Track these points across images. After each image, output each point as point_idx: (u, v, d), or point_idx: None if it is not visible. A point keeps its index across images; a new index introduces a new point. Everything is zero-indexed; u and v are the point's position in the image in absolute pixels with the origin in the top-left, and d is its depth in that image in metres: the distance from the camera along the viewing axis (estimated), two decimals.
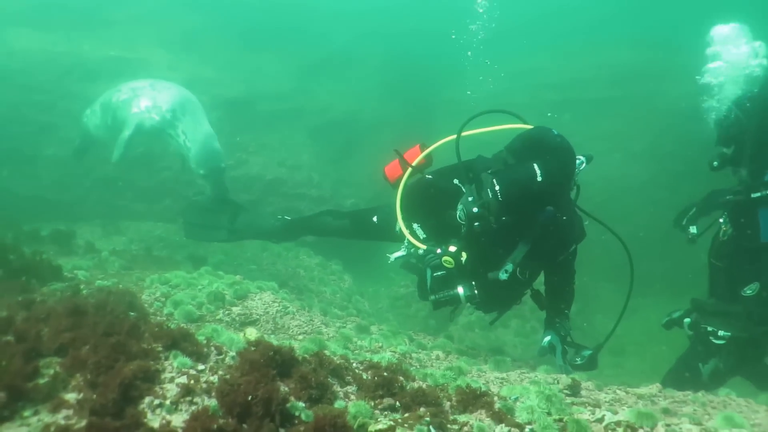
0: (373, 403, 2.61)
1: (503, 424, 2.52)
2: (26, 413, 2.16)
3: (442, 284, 4.80)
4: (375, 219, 6.09)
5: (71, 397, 2.27)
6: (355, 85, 16.22)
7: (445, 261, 4.69)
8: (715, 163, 5.44)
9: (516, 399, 2.89)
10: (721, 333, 5.13)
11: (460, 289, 4.75)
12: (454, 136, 5.07)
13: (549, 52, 16.88)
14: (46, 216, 9.23)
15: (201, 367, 2.62)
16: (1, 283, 4.07)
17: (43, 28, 12.91)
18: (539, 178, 4.44)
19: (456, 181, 5.10)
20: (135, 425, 2.12)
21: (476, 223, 4.56)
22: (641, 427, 2.56)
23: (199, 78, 12.88)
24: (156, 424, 2.17)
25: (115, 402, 2.19)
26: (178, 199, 11.48)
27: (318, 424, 2.14)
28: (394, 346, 4.50)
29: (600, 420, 2.66)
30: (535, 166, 4.48)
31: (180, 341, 2.74)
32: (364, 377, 2.93)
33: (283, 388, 2.46)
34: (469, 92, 14.48)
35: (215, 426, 2.08)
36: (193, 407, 2.29)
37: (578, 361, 4.88)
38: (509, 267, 4.71)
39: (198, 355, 2.72)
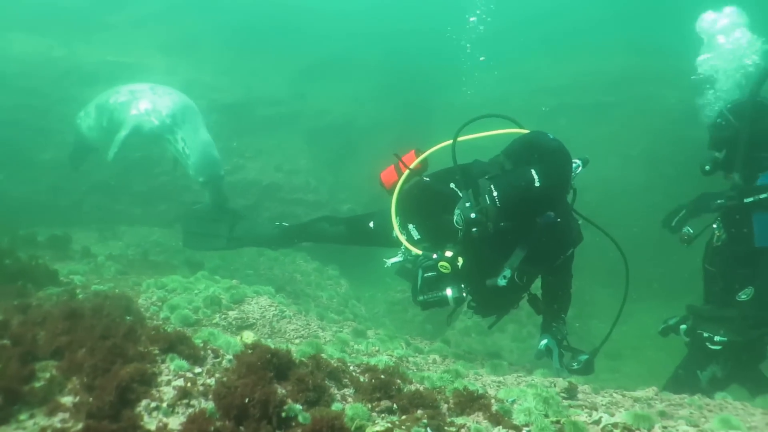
0: (370, 406, 2.61)
1: (500, 426, 2.52)
2: (22, 416, 2.16)
3: (432, 285, 4.79)
4: (371, 224, 6.10)
5: (67, 400, 2.26)
6: (352, 89, 16.25)
7: (442, 266, 4.68)
8: (707, 168, 5.46)
9: (513, 401, 2.89)
10: (717, 338, 5.13)
11: (449, 291, 4.74)
12: (450, 141, 5.07)
13: (543, 56, 16.97)
14: (43, 221, 9.19)
15: (198, 370, 2.62)
16: None
17: (40, 32, 12.91)
18: (537, 183, 4.44)
19: (452, 185, 5.11)
20: (132, 428, 2.12)
21: (474, 229, 4.56)
22: (638, 429, 2.56)
23: (196, 82, 12.89)
24: (153, 427, 2.16)
25: (111, 405, 2.18)
26: (174, 204, 11.47)
27: (315, 426, 2.14)
28: (391, 350, 4.50)
29: (597, 422, 2.66)
30: (533, 171, 4.48)
31: (177, 344, 2.73)
32: (361, 380, 2.93)
33: (281, 390, 2.45)
34: (465, 88, 14.53)
35: (212, 428, 2.08)
36: (190, 410, 2.29)
37: (575, 365, 4.88)
38: (507, 273, 4.71)
39: (195, 358, 2.72)
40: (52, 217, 9.97)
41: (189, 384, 2.45)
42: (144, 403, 2.28)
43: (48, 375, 2.38)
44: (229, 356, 2.82)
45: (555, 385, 3.76)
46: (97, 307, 3.23)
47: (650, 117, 13.58)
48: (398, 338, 5.39)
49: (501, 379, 4.09)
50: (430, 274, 4.76)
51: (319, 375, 2.70)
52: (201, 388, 2.44)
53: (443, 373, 3.47)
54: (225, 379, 2.46)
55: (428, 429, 2.35)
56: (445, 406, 2.77)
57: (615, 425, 2.60)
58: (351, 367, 3.16)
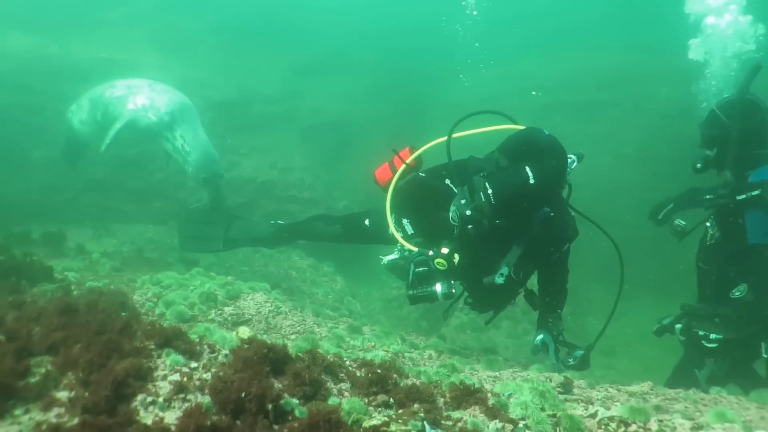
0: (367, 400, 2.61)
1: (497, 420, 2.52)
2: (17, 412, 2.15)
3: (423, 280, 4.80)
4: (367, 222, 6.09)
5: (63, 395, 2.25)
6: (347, 86, 16.25)
7: (438, 263, 4.68)
8: (699, 166, 5.47)
9: (509, 395, 2.90)
10: (712, 336, 5.15)
11: (438, 287, 4.75)
12: (445, 138, 5.07)
13: (538, 54, 16.99)
14: (37, 218, 9.15)
15: (194, 364, 2.61)
16: None
17: (33, 30, 12.86)
18: (532, 181, 4.44)
19: (448, 182, 5.11)
20: (128, 423, 2.10)
21: (469, 226, 4.57)
22: (634, 422, 2.57)
23: (191, 80, 12.85)
24: (149, 422, 2.16)
25: (107, 400, 2.18)
26: (169, 201, 11.46)
27: (312, 420, 2.14)
28: (387, 345, 4.50)
29: (593, 415, 2.67)
30: (527, 168, 4.48)
31: (173, 339, 2.72)
32: (358, 374, 2.93)
33: (277, 385, 2.45)
34: (462, 77, 14.53)
35: (209, 422, 2.07)
36: (187, 404, 2.28)
37: (571, 361, 4.90)
38: (505, 270, 4.72)
39: (191, 353, 2.71)
40: (46, 214, 9.93)
41: (185, 379, 2.44)
42: (140, 397, 2.27)
43: (43, 370, 2.37)
44: (225, 351, 2.82)
45: (551, 380, 3.77)
46: (93, 302, 3.22)
47: (644, 115, 13.62)
48: (394, 334, 5.39)
49: (497, 374, 4.10)
50: (421, 269, 4.77)
51: (316, 369, 2.70)
52: (197, 383, 2.43)
53: (439, 368, 3.47)
54: (221, 373, 2.45)
55: (425, 423, 2.35)
56: (442, 400, 2.78)
57: (611, 419, 2.61)
58: (347, 362, 3.16)
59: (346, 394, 2.73)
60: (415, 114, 15.46)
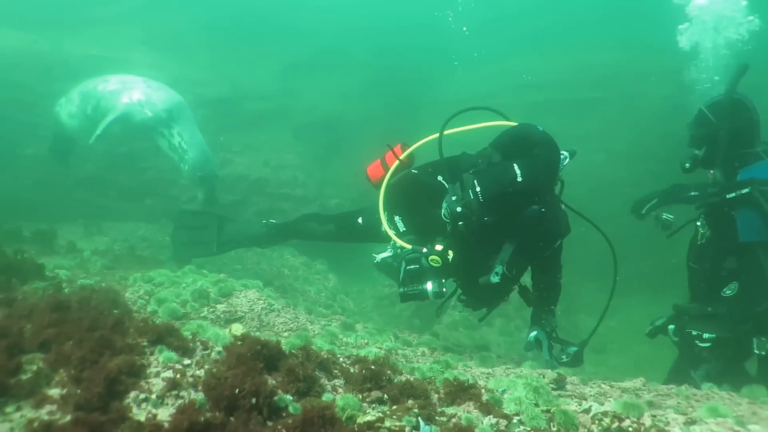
0: (361, 396, 2.61)
1: (491, 416, 2.53)
2: (9, 409, 2.13)
3: (414, 278, 4.81)
4: (360, 221, 6.09)
5: (55, 392, 2.23)
6: (340, 84, 16.24)
7: (432, 260, 4.69)
8: (687, 165, 5.50)
9: (503, 391, 2.90)
10: (705, 335, 5.17)
11: (429, 285, 4.76)
12: (437, 135, 5.07)
13: (531, 52, 17.03)
14: (27, 216, 9.07)
15: (187, 361, 2.60)
16: None
17: (24, 26, 12.75)
18: (519, 179, 4.44)
19: (440, 178, 5.11)
20: (121, 419, 2.09)
21: (460, 223, 4.57)
22: (628, 417, 2.58)
23: (183, 77, 12.81)
24: (142, 418, 2.15)
25: (100, 397, 2.16)
26: (161, 199, 11.42)
27: (306, 417, 2.13)
28: (380, 342, 4.50)
29: (587, 411, 2.68)
30: (515, 166, 4.48)
31: (165, 336, 2.71)
32: (352, 371, 2.92)
33: (271, 381, 2.44)
34: (456, 63, 14.52)
35: (202, 419, 2.06)
36: (180, 401, 2.27)
37: (564, 358, 4.91)
38: (499, 269, 4.73)
39: (184, 349, 2.69)
40: (36, 212, 9.84)
41: (178, 375, 2.43)
42: (133, 394, 2.26)
43: (35, 367, 2.35)
44: (219, 348, 2.80)
45: (544, 377, 3.78)
46: (84, 299, 3.20)
47: (636, 113, 13.67)
48: (387, 331, 5.39)
49: (490, 370, 4.10)
50: (412, 267, 4.77)
51: (310, 366, 2.69)
52: (190, 380, 2.42)
53: (433, 364, 3.47)
54: (215, 370, 2.44)
55: (419, 419, 2.35)
56: (436, 396, 2.78)
57: (605, 414, 2.62)
58: (341, 359, 3.15)
59: (340, 390, 2.73)
60: (408, 112, 15.47)
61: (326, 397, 2.52)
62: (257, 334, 4.07)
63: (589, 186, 11.89)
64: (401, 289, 4.87)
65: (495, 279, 4.71)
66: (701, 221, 5.51)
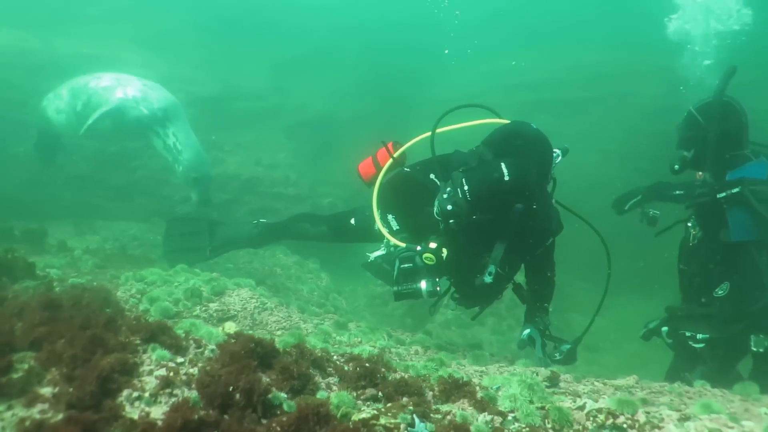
0: (355, 394, 2.60)
1: (486, 413, 2.53)
2: (0, 408, 2.11)
3: (408, 277, 4.81)
4: (353, 221, 6.09)
5: (47, 391, 2.21)
6: (332, 84, 16.22)
7: (426, 258, 4.69)
8: (677, 167, 5.51)
9: (498, 388, 2.90)
10: (699, 336, 5.18)
11: (423, 284, 4.75)
12: (429, 133, 5.07)
13: (523, 52, 17.06)
14: (18, 215, 8.99)
15: (180, 359, 2.58)
16: None
17: (13, 24, 12.64)
18: (506, 177, 4.45)
19: (432, 176, 5.12)
20: (114, 418, 2.08)
21: (451, 221, 4.58)
22: (622, 414, 2.59)
23: (174, 76, 12.73)
24: (135, 417, 2.13)
25: (92, 395, 2.14)
26: (152, 198, 11.36)
27: (301, 414, 2.12)
28: (374, 341, 4.49)
29: (581, 408, 2.68)
30: (503, 165, 4.49)
31: (158, 334, 2.69)
32: (346, 369, 2.91)
33: (265, 379, 2.43)
34: (446, 51, 14.52)
35: (196, 417, 2.04)
36: (173, 399, 2.26)
37: (557, 355, 4.92)
38: (492, 269, 4.72)
39: (177, 348, 2.68)
40: (26, 211, 9.75)
41: (171, 373, 2.41)
42: (126, 393, 2.24)
43: (26, 366, 2.33)
44: (212, 346, 2.79)
45: (537, 374, 3.78)
46: (76, 298, 3.17)
47: (627, 113, 13.73)
48: (380, 330, 5.37)
49: (483, 368, 4.10)
50: (406, 265, 4.77)
51: (304, 364, 2.68)
52: (184, 378, 2.40)
53: (427, 362, 3.47)
54: (208, 368, 2.43)
55: (414, 416, 2.34)
56: (430, 393, 2.77)
57: (599, 410, 2.63)
58: (335, 357, 3.14)
59: (335, 388, 2.72)
60: (400, 111, 15.47)
61: (321, 394, 2.51)
62: (250, 332, 4.06)
63: (580, 185, 11.93)
64: (395, 288, 4.87)
65: (488, 279, 4.71)
66: (692, 222, 5.52)
